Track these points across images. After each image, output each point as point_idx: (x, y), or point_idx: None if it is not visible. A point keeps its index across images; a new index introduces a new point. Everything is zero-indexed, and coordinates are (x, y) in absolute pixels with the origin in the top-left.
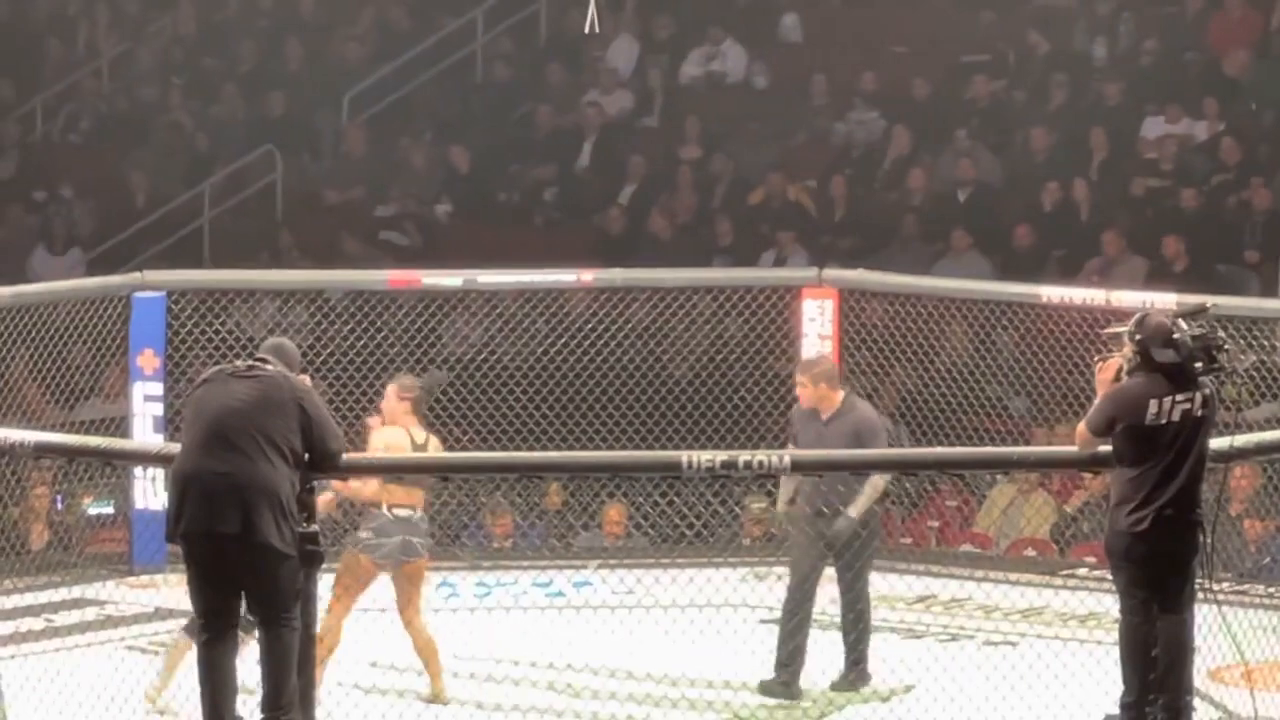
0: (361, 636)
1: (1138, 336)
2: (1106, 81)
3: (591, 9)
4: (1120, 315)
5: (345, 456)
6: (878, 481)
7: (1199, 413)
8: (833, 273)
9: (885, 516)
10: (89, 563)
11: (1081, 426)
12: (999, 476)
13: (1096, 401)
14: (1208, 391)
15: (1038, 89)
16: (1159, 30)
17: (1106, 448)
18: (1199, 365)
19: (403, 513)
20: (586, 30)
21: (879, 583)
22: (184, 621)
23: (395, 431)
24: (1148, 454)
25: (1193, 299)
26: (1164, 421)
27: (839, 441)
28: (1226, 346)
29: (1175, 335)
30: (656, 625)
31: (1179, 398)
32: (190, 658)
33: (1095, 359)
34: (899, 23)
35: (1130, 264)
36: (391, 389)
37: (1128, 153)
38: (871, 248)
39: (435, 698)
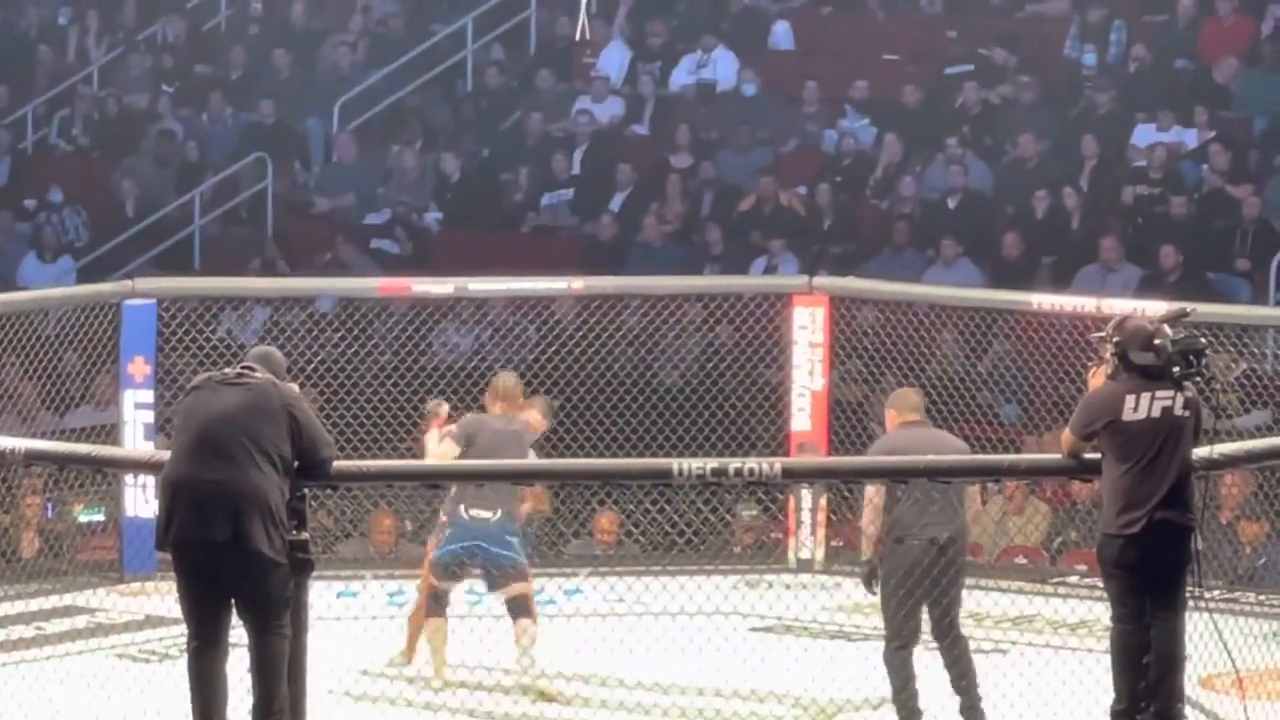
0: (351, 644)
1: (1115, 339)
2: (1097, 89)
3: (582, 15)
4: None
5: (336, 464)
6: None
7: (1181, 412)
8: (823, 280)
9: None
10: (79, 570)
11: (1066, 433)
12: (989, 485)
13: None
14: (1190, 394)
15: (1028, 96)
16: (1150, 38)
17: (1095, 455)
18: (1177, 370)
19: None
20: (578, 37)
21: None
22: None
23: None
24: (1131, 451)
25: (1183, 305)
26: (1143, 416)
27: None
28: (1208, 352)
29: (1156, 340)
30: (647, 633)
31: (1159, 394)
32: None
33: (1091, 364)
34: (889, 30)
35: (1123, 272)
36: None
37: (1118, 160)
38: (862, 255)
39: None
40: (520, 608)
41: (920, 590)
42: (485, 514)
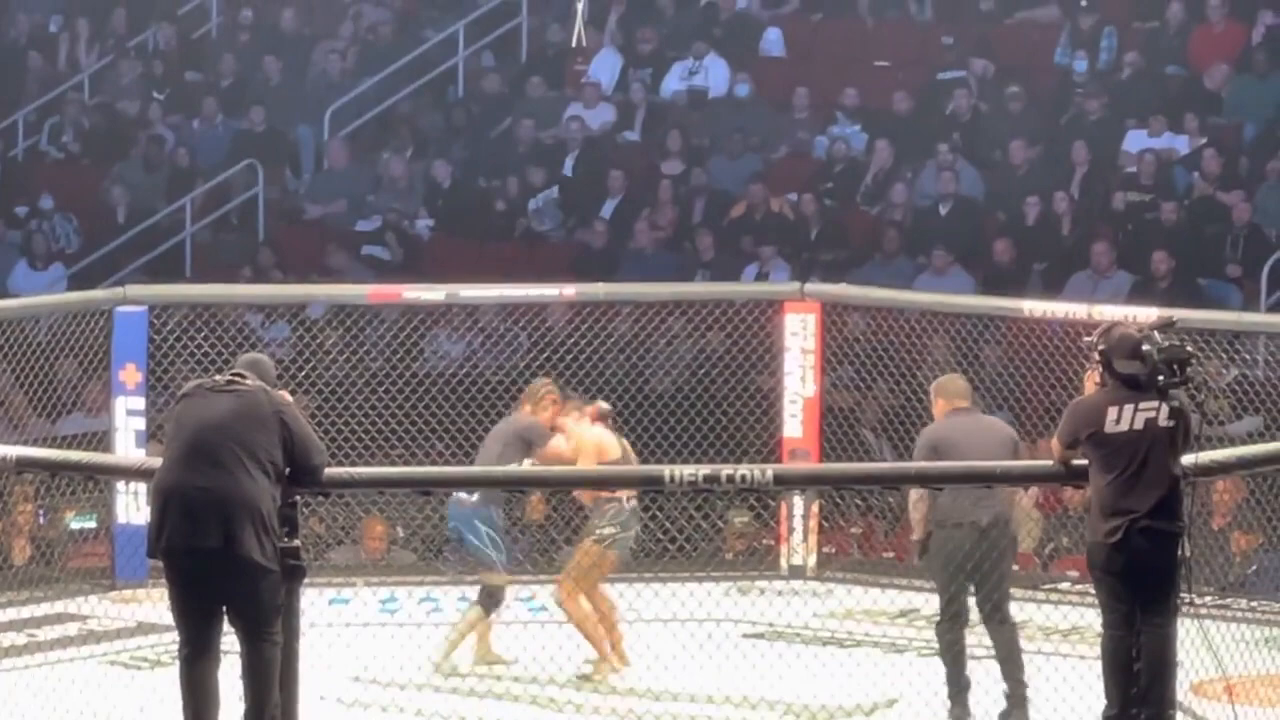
0: (343, 651)
1: (1100, 347)
2: (1088, 95)
3: (579, 21)
4: None
5: (327, 471)
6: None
7: (1166, 423)
8: (815, 287)
9: (868, 531)
10: (71, 577)
11: (1055, 442)
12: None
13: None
14: (1176, 404)
15: (1019, 103)
16: (1140, 44)
17: (1083, 462)
18: (1161, 379)
19: (633, 503)
20: (574, 43)
21: (863, 597)
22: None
23: None
24: (1115, 462)
25: (1170, 313)
26: (1126, 428)
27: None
28: (1194, 360)
29: (1144, 347)
30: (639, 639)
31: (1142, 405)
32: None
33: (1088, 367)
34: (880, 37)
35: (1114, 278)
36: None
37: (1109, 167)
38: (853, 261)
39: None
40: (481, 596)
41: (963, 572)
42: (464, 495)
